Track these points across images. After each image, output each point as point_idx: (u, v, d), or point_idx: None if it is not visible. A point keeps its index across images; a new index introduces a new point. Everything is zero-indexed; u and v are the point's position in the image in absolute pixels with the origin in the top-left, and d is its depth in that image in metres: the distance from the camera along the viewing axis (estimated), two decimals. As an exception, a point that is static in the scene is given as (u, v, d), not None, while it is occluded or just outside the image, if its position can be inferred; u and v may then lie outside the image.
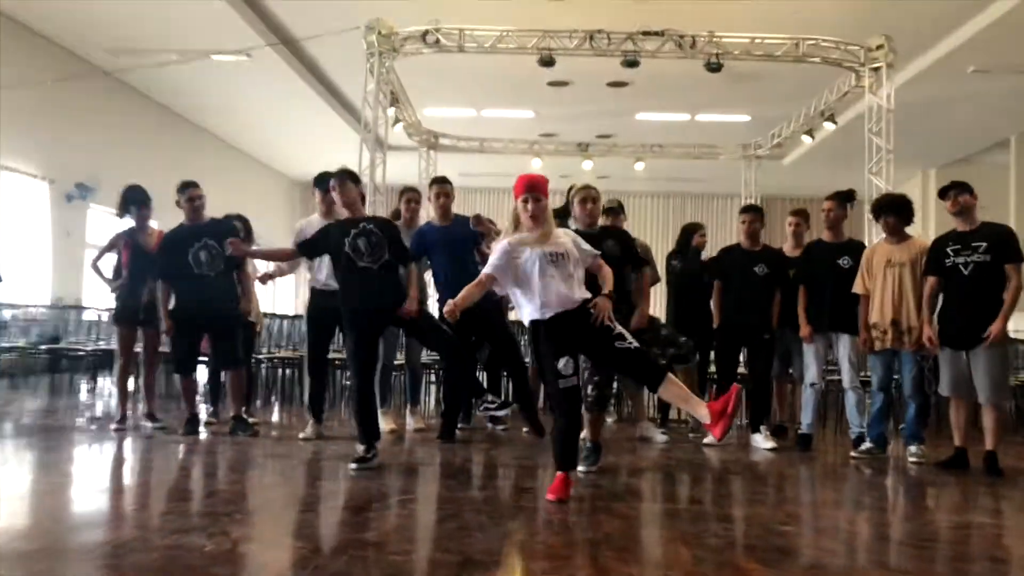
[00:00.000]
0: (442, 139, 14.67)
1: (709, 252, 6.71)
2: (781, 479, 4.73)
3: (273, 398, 8.05)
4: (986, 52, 9.75)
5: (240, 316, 5.82)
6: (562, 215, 4.78)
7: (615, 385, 5.75)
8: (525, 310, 3.93)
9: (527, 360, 5.92)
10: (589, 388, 4.45)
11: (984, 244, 4.81)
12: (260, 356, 7.69)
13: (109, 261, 5.99)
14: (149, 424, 5.73)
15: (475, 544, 2.99)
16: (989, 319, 4.72)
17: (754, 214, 5.93)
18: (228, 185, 13.67)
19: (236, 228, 5.83)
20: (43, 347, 8.56)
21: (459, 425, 5.83)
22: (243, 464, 4.72)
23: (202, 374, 6.62)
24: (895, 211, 5.32)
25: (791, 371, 6.23)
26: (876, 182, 9.68)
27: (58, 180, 10.40)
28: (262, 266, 6.55)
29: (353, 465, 4.41)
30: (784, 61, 9.72)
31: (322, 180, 5.55)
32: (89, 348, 8.47)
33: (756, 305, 5.70)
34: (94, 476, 4.49)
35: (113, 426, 5.69)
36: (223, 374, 5.98)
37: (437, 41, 9.55)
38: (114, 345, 6.24)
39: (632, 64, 9.55)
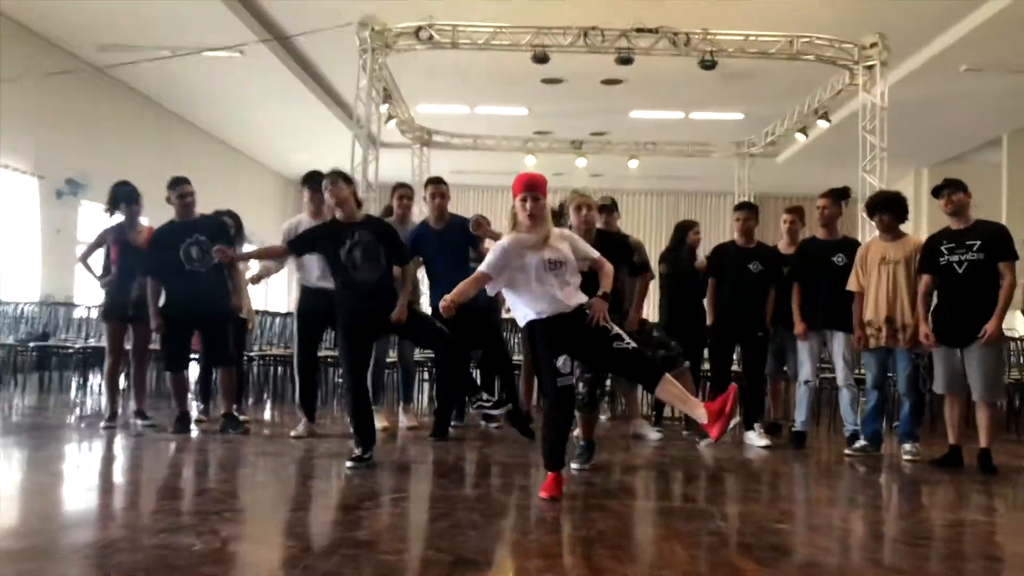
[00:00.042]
0: (435, 136, 14.65)
1: (703, 250, 6.70)
2: (775, 477, 4.73)
3: (265, 396, 8.01)
4: (979, 51, 9.77)
5: (231, 312, 5.80)
6: (556, 217, 4.74)
7: (608, 383, 5.73)
8: (520, 312, 3.92)
9: (516, 360, 5.88)
10: (580, 386, 4.42)
11: (978, 242, 4.81)
12: (252, 353, 7.65)
13: (98, 257, 5.94)
14: (139, 422, 5.69)
15: (468, 543, 2.98)
16: (983, 317, 4.72)
17: (748, 211, 5.93)
18: (220, 181, 13.63)
19: (227, 224, 5.79)
20: (32, 344, 8.50)
21: (452, 423, 5.81)
22: (234, 462, 4.70)
23: (193, 371, 6.57)
24: (889, 209, 5.32)
25: (785, 369, 6.22)
26: (870, 180, 9.69)
27: (48, 176, 10.31)
28: (251, 264, 6.50)
29: (349, 464, 4.40)
30: (778, 59, 9.74)
31: (311, 179, 5.50)
32: (79, 345, 8.41)
33: (750, 302, 5.69)
34: (83, 474, 4.45)
35: (103, 424, 5.65)
36: (214, 371, 5.93)
37: (430, 37, 9.51)
38: (104, 342, 6.19)
39: (626, 61, 9.55)
